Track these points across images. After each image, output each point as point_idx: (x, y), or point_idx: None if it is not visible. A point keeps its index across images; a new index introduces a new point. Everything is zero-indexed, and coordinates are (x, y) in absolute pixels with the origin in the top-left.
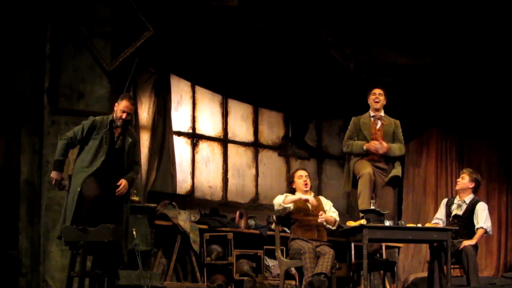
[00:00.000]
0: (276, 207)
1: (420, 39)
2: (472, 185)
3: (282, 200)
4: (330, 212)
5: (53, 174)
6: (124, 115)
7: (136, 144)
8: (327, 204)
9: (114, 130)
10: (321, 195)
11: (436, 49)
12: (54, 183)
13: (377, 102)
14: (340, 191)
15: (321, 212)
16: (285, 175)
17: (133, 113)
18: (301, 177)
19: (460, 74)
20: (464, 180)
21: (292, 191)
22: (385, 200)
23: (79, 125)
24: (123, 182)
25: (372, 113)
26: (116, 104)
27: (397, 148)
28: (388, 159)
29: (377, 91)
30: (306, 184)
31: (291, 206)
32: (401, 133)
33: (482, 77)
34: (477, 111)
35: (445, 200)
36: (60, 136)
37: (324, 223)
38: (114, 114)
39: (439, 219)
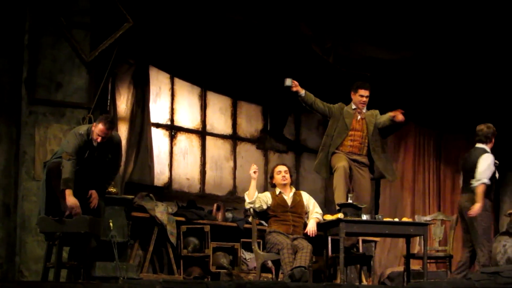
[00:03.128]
0: (249, 206)
1: (400, 34)
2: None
3: (247, 199)
4: (313, 212)
5: (72, 200)
6: (99, 139)
7: (118, 154)
8: (309, 201)
9: (93, 146)
10: (299, 188)
11: (416, 45)
12: (74, 209)
13: (364, 104)
14: (318, 184)
15: (310, 233)
16: (263, 168)
17: (112, 105)
18: (280, 173)
19: (439, 70)
20: None
21: (273, 185)
22: (362, 194)
23: (71, 142)
24: (93, 195)
25: (353, 106)
26: (94, 125)
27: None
28: (375, 151)
29: (365, 92)
30: (284, 178)
31: (257, 195)
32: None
33: (461, 74)
34: (455, 107)
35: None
36: (37, 127)
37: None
38: (92, 134)
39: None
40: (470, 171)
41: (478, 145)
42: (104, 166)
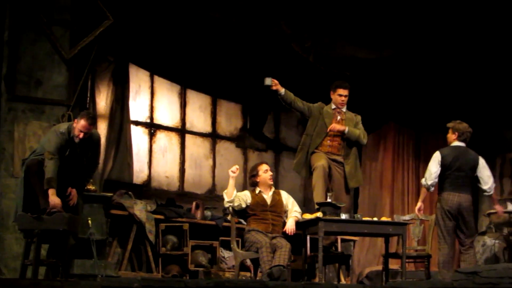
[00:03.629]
0: (228, 205)
1: (379, 33)
2: (455, 135)
3: (226, 198)
4: (292, 211)
5: (55, 199)
6: (81, 135)
7: (97, 151)
8: (288, 200)
9: (75, 143)
10: (278, 187)
11: (395, 44)
12: (57, 209)
13: (343, 103)
14: (297, 183)
15: (289, 231)
16: (243, 167)
17: (91, 102)
18: (267, 171)
19: (418, 70)
20: (449, 134)
21: (255, 184)
22: (341, 193)
23: (53, 141)
24: (72, 192)
25: (333, 106)
26: (76, 121)
27: (357, 133)
28: (346, 154)
29: (344, 92)
30: (271, 177)
31: (236, 194)
32: (362, 126)
33: (439, 73)
34: (434, 106)
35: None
36: (17, 124)
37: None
38: (73, 130)
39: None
40: (469, 171)
41: (463, 144)
42: (83, 163)
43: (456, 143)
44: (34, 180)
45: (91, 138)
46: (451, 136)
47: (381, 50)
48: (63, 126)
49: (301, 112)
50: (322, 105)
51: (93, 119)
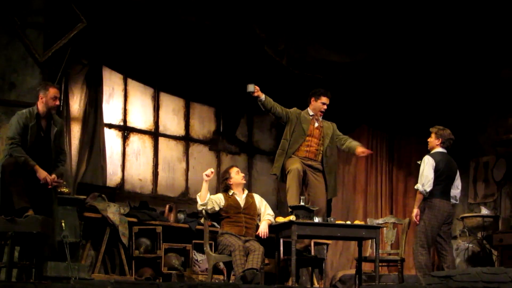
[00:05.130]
0: (201, 208)
1: (353, 37)
2: (438, 141)
3: (199, 201)
4: (265, 214)
5: (43, 174)
6: (57, 101)
7: (62, 132)
8: (261, 203)
9: (40, 121)
10: (251, 190)
11: (368, 48)
12: (46, 179)
13: (322, 112)
14: (270, 186)
15: (262, 234)
16: (216, 170)
17: (65, 105)
18: (239, 173)
19: (391, 73)
20: (431, 138)
21: (227, 187)
22: (319, 199)
23: (12, 124)
24: (50, 178)
25: (311, 112)
26: (42, 95)
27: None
28: (332, 164)
29: (327, 101)
30: (244, 177)
31: (209, 197)
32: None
33: (413, 77)
34: (408, 110)
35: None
36: None
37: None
38: (42, 105)
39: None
40: (453, 180)
41: (445, 151)
42: (50, 150)
43: (440, 149)
44: (9, 180)
45: (53, 120)
46: (434, 141)
47: (355, 54)
48: (24, 110)
49: (280, 117)
50: (298, 110)
51: (56, 84)
